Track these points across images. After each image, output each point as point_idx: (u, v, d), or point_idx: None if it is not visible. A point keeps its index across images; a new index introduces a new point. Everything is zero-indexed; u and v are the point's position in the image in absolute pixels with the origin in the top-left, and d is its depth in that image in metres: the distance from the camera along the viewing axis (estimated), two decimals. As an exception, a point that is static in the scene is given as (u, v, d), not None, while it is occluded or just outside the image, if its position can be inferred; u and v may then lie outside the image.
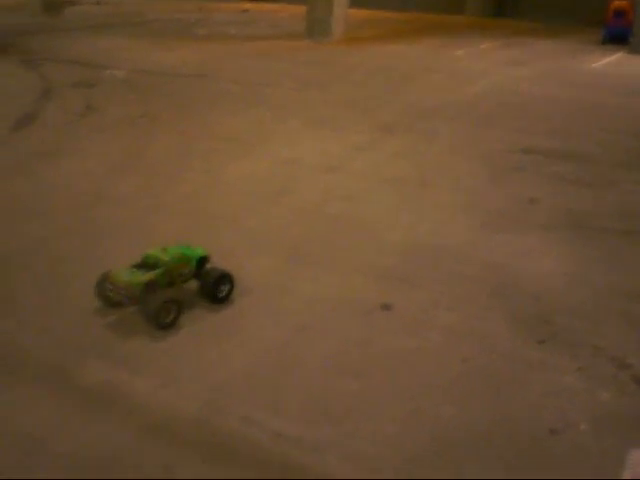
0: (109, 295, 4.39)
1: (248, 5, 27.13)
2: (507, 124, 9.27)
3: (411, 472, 3.10)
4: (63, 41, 16.55)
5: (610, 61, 16.41)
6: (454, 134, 8.68)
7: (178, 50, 15.50)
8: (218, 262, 4.69)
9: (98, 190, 6.65)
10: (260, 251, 5.31)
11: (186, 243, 4.73)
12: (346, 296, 4.63)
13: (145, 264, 4.49)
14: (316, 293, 4.68)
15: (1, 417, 3.51)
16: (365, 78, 12.45)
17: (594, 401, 3.60)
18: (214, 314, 4.43)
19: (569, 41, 20.41)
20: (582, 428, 3.39)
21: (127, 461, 3.19)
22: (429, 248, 5.34)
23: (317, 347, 4.06)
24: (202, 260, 4.62)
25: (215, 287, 4.49)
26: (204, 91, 11.35)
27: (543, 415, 3.49)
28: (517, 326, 4.27)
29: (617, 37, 19.12)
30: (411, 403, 3.56)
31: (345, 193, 6.55)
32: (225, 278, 4.54)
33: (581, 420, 3.44)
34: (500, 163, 7.51)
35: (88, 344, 4.09)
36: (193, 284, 4.60)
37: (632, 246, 5.53)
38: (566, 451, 3.24)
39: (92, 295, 4.48)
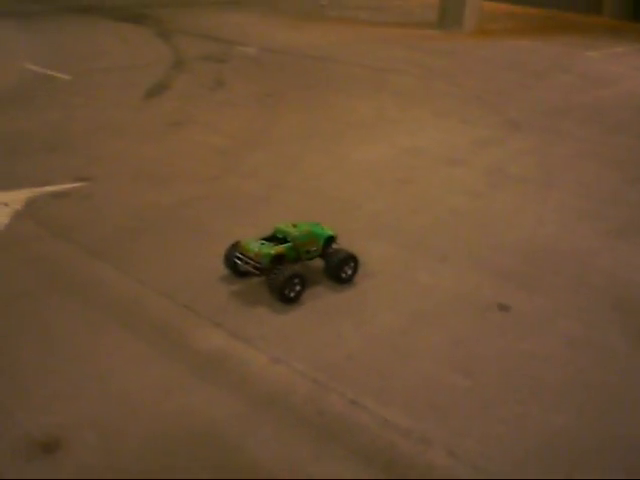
0: (237, 264, 4.53)
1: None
2: (640, 132, 8.95)
3: (516, 475, 3.05)
4: (193, 14, 16.92)
5: None
6: (583, 137, 8.44)
7: (307, 31, 15.61)
8: (343, 244, 4.73)
9: (223, 163, 6.80)
10: (380, 237, 5.32)
11: (316, 222, 4.81)
12: (463, 291, 4.60)
13: (274, 237, 4.64)
14: (433, 285, 4.66)
15: (114, 373, 3.65)
16: (494, 72, 12.23)
17: None
18: (336, 294, 4.48)
19: None
20: (699, 455, 3.27)
21: (232, 429, 3.27)
22: (550, 252, 5.23)
23: (430, 339, 4.05)
24: (329, 240, 4.69)
25: (340, 268, 4.55)
26: (330, 73, 11.40)
27: (657, 435, 3.38)
28: (634, 341, 4.14)
29: None
30: (521, 407, 3.50)
31: (467, 187, 6.47)
32: (350, 260, 4.60)
33: (697, 446, 3.32)
34: (630, 171, 7.26)
35: (208, 311, 4.20)
36: (318, 262, 4.66)
37: None
38: (681, 476, 3.14)
39: (219, 263, 4.62)
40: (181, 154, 7.08)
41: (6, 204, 5.59)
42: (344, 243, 4.78)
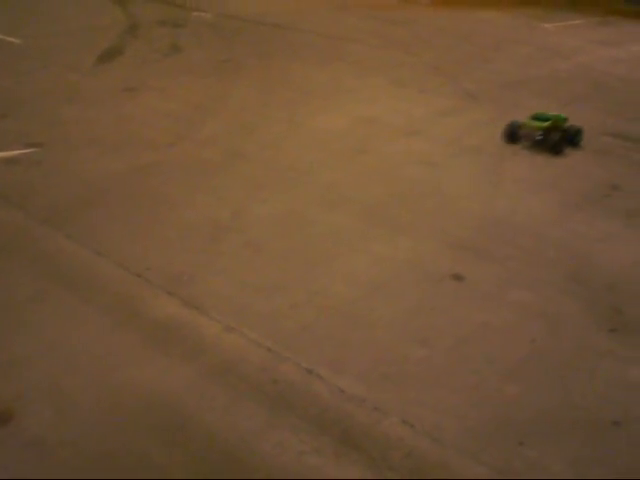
0: (518, 133, 7.06)
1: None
2: (595, 105, 9.00)
3: (471, 445, 3.08)
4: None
5: None
6: (539, 109, 8.46)
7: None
8: (297, 214, 4.72)
9: (179, 130, 6.71)
10: (335, 207, 5.30)
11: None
12: (419, 261, 4.60)
13: (536, 118, 7.17)
14: (389, 255, 4.66)
15: (66, 343, 3.61)
16: (452, 42, 12.20)
17: (661, 397, 3.53)
18: (289, 263, 4.45)
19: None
20: (647, 423, 3.33)
21: (186, 399, 3.25)
22: (506, 223, 5.25)
23: (386, 309, 4.05)
24: (566, 120, 7.30)
25: (575, 136, 7.19)
26: (287, 41, 11.29)
27: (607, 405, 3.42)
28: (589, 312, 4.19)
29: None
30: (475, 377, 3.54)
31: (424, 157, 6.47)
32: (580, 132, 7.23)
33: (646, 414, 3.38)
34: (585, 144, 7.31)
35: (162, 280, 4.17)
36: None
37: None
38: (626, 444, 3.18)
39: (175, 232, 4.61)
40: (135, 120, 6.96)
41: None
42: (294, 212, 4.75)
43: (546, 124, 7.07)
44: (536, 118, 7.20)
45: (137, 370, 3.43)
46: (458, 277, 4.42)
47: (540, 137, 6.95)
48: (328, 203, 5.37)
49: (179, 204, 5.17)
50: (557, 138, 6.98)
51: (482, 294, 4.28)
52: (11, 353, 3.52)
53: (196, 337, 3.69)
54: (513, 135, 7.08)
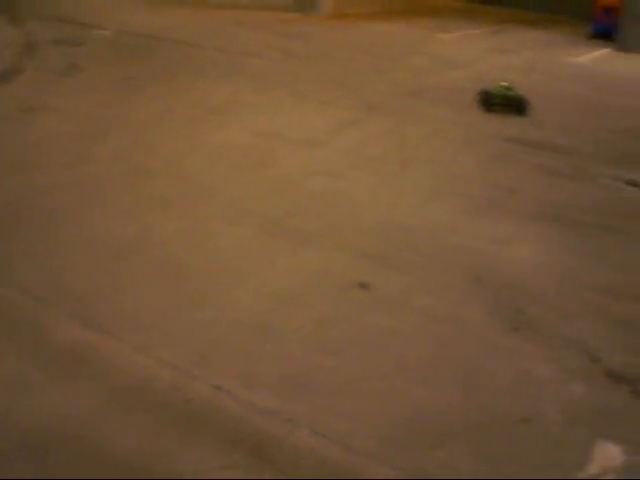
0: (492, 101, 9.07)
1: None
2: (491, 112, 9.27)
3: (383, 450, 3.11)
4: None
5: (596, 56, 16.44)
6: (438, 118, 8.67)
7: (165, 14, 15.26)
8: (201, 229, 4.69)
9: (80, 149, 6.58)
10: (240, 222, 5.28)
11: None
12: (324, 272, 4.63)
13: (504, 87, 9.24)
14: (295, 267, 4.67)
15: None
16: (351, 55, 12.37)
17: (565, 392, 3.64)
18: (194, 282, 4.42)
19: (556, 33, 20.38)
20: (552, 418, 3.42)
21: (94, 425, 3.17)
22: (408, 230, 5.34)
23: (294, 320, 4.05)
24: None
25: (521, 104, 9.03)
26: (189, 58, 11.22)
27: (514, 403, 3.51)
28: (493, 313, 4.29)
29: (604, 33, 19.19)
30: (385, 383, 3.58)
31: (327, 169, 6.52)
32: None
33: (551, 410, 3.48)
34: (483, 150, 7.52)
35: (65, 302, 4.07)
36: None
37: (608, 241, 5.56)
38: (536, 440, 3.27)
39: (77, 256, 4.50)
40: (35, 141, 6.79)
41: None
42: (195, 229, 4.75)
43: (519, 94, 9.20)
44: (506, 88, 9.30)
45: (42, 398, 3.33)
46: (364, 286, 4.46)
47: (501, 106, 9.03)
48: (233, 218, 5.35)
49: (82, 224, 5.06)
50: (526, 102, 9.11)
51: (388, 301, 4.34)
52: None
53: (104, 359, 3.61)
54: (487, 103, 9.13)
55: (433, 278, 4.66)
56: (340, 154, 6.97)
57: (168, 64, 10.60)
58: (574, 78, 13.05)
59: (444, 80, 10.96)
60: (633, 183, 6.92)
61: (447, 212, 5.73)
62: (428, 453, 3.12)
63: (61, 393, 3.36)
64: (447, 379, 3.65)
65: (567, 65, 14.67)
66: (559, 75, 13.16)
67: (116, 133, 7.16)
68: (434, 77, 11.16)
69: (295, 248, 4.92)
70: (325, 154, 6.95)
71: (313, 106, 8.75)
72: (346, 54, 12.46)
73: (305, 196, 5.86)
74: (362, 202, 5.82)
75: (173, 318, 4.01)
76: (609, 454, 3.24)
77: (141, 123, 7.58)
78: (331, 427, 3.22)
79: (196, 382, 3.47)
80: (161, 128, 7.44)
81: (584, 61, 15.45)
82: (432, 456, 3.10)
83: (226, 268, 4.61)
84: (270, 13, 16.68)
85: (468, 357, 3.86)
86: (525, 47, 15.95)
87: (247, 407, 3.32)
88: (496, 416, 3.41)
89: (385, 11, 19.29)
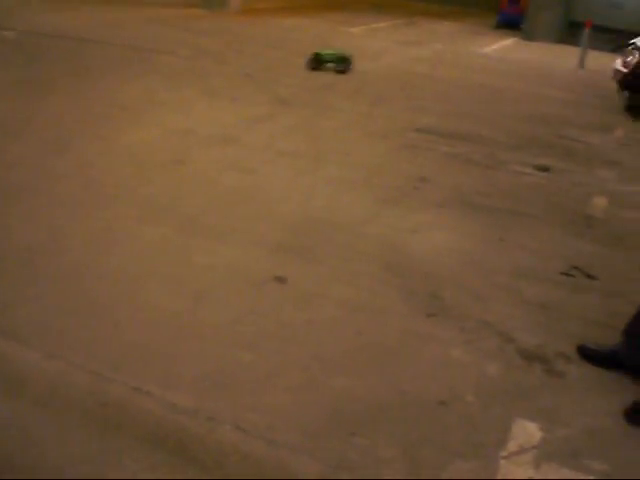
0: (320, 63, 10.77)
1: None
2: (402, 103, 9.39)
3: (305, 442, 3.12)
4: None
5: (503, 46, 16.86)
6: (349, 110, 8.74)
7: (70, 13, 14.91)
8: (102, 231, 4.61)
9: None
10: (154, 221, 5.22)
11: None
12: (240, 268, 4.61)
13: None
14: (210, 264, 4.64)
15: None
16: (261, 50, 12.35)
17: (480, 373, 3.72)
18: (106, 286, 4.34)
19: (464, 24, 20.82)
20: (469, 400, 3.50)
21: (9, 436, 3.09)
22: (323, 222, 5.37)
23: (211, 318, 4.03)
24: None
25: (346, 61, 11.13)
26: (97, 56, 11.00)
27: (432, 387, 3.57)
28: (408, 300, 4.36)
29: (510, 23, 19.69)
30: (304, 374, 3.59)
31: (240, 165, 6.50)
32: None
33: (468, 392, 3.55)
34: (394, 141, 7.61)
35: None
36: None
37: (517, 226, 5.71)
38: (454, 422, 3.34)
39: None
40: None
41: None
42: (110, 229, 4.66)
43: (344, 55, 11.10)
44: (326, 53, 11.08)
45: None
46: (280, 279, 4.47)
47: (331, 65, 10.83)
48: (147, 217, 5.27)
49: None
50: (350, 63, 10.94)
51: (305, 294, 4.35)
52: None
53: (15, 368, 3.51)
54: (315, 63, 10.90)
55: (348, 268, 4.69)
56: (253, 149, 6.96)
57: (77, 63, 10.38)
58: (480, 67, 13.34)
59: (355, 73, 11.04)
60: (543, 168, 7.11)
61: (361, 203, 5.78)
62: (349, 442, 3.15)
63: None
64: (365, 367, 3.69)
65: (474, 55, 14.98)
66: (465, 65, 13.43)
67: (21, 136, 6.96)
68: (345, 70, 11.22)
69: (211, 245, 4.89)
70: (238, 150, 6.92)
71: (225, 102, 8.70)
72: (256, 49, 12.44)
73: (220, 193, 5.82)
74: (276, 196, 5.82)
75: (86, 322, 3.92)
76: (527, 431, 3.33)
77: (49, 124, 7.39)
78: (252, 422, 3.21)
79: (112, 385, 3.41)
80: (70, 129, 7.27)
81: (490, 51, 15.81)
82: (353, 444, 3.13)
83: (141, 268, 4.55)
84: (178, 10, 16.52)
85: (385, 344, 3.90)
86: (434, 39, 16.23)
87: (167, 407, 3.28)
88: (415, 401, 3.46)
89: (293, 6, 19.33)
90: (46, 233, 4.93)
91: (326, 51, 11.19)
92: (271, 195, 5.85)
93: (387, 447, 3.14)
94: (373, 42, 14.64)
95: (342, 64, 10.98)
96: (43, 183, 5.78)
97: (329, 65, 10.96)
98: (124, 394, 3.36)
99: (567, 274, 4.92)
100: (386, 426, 3.27)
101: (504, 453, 3.18)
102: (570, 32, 17.36)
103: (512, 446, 3.23)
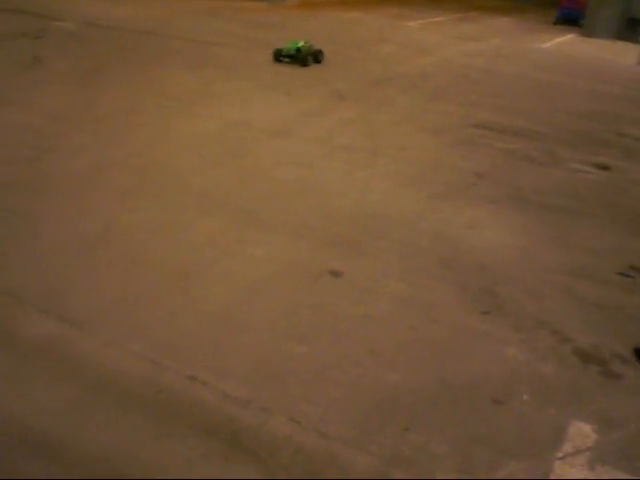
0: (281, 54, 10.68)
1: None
2: (459, 98, 9.31)
3: (358, 436, 3.12)
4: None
5: (561, 41, 16.60)
6: (405, 105, 8.69)
7: (128, 4, 15.14)
8: (159, 220, 4.66)
9: (44, 143, 6.51)
10: (209, 212, 5.27)
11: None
12: (296, 261, 4.63)
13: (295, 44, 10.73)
14: (266, 256, 4.66)
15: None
16: (319, 44, 12.31)
17: (535, 373, 3.68)
18: (163, 272, 4.40)
19: (523, 19, 20.57)
20: (524, 399, 3.46)
21: (67, 420, 3.15)
22: (378, 217, 5.35)
23: (265, 310, 4.05)
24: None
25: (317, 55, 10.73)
26: (154, 48, 11.14)
27: (486, 385, 3.54)
28: (463, 297, 4.32)
29: (570, 19, 19.41)
30: (357, 369, 3.58)
31: (296, 158, 6.52)
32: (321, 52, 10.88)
33: (523, 391, 3.51)
34: (450, 136, 7.55)
35: (35, 297, 4.03)
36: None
37: (575, 224, 5.62)
38: (509, 421, 3.31)
39: (44, 250, 4.45)
40: (-1, 136, 6.72)
41: None
42: (173, 220, 4.69)
43: (297, 46, 10.70)
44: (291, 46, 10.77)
45: (10, 392, 3.30)
46: (335, 273, 4.47)
47: (292, 54, 10.64)
48: (202, 208, 5.32)
49: (48, 219, 5.01)
50: (303, 56, 10.61)
51: (359, 288, 4.35)
52: None
53: (74, 354, 3.59)
54: (277, 56, 10.73)
55: (403, 263, 4.68)
56: (309, 143, 6.97)
57: (135, 55, 10.52)
58: (537, 63, 13.15)
59: (412, 67, 10.98)
60: (602, 166, 7.00)
61: (416, 198, 5.75)
62: (402, 437, 3.14)
63: (33, 388, 3.33)
64: (419, 363, 3.67)
65: (532, 50, 14.77)
66: (523, 60, 13.26)
67: (81, 125, 7.09)
68: (402, 64, 11.18)
69: (266, 238, 4.91)
70: (294, 143, 6.94)
71: (281, 95, 8.73)
72: (314, 43, 12.41)
73: (275, 185, 5.85)
74: (332, 190, 5.82)
75: (143, 311, 3.99)
76: (582, 433, 3.28)
77: (107, 115, 7.51)
78: (305, 414, 3.23)
79: (168, 373, 3.45)
80: (128, 119, 7.38)
81: (548, 47, 15.57)
82: (406, 440, 3.12)
83: (196, 259, 4.59)
84: (236, 2, 16.59)
85: (439, 340, 3.88)
86: (492, 34, 16.05)
87: (220, 397, 3.31)
88: (468, 398, 3.44)
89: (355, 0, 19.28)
90: (104, 222, 5.00)
91: (288, 45, 10.93)
92: (326, 189, 5.85)
93: (440, 444, 3.12)
94: (430, 36, 14.54)
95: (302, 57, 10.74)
96: (101, 173, 5.88)
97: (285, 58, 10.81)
98: (179, 382, 3.40)
99: (625, 274, 4.84)
100: (439, 423, 3.26)
101: (559, 454, 3.14)
102: (629, 29, 17.04)
103: (567, 447, 3.19)
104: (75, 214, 5.09)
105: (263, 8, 16.01)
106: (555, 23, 19.86)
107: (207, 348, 3.68)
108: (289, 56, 10.71)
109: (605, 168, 6.99)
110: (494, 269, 4.71)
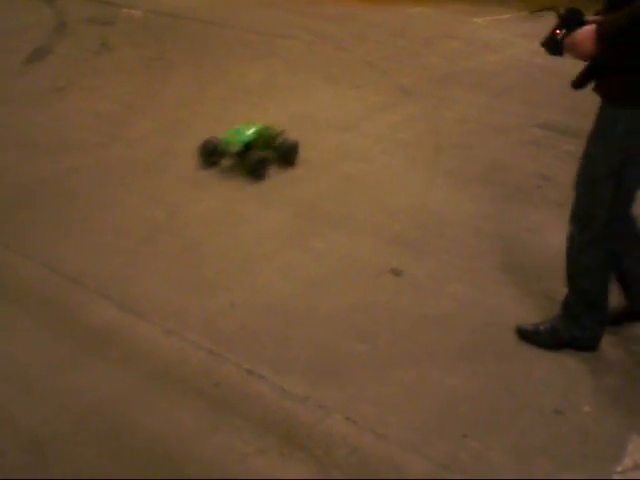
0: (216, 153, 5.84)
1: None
2: (524, 97, 9.15)
3: (415, 439, 3.09)
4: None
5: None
6: (470, 103, 8.57)
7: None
8: (222, 211, 4.67)
9: (110, 130, 6.60)
10: (270, 204, 5.28)
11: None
12: (356, 257, 4.60)
13: (239, 131, 5.90)
14: (327, 251, 4.65)
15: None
16: (383, 38, 12.24)
17: (598, 384, 3.59)
18: (226, 261, 4.42)
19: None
20: (586, 410, 3.38)
21: (126, 405, 3.20)
22: (439, 216, 5.29)
23: (325, 305, 4.04)
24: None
25: (289, 153, 6.05)
26: (219, 38, 11.18)
27: (547, 394, 3.47)
28: (524, 301, 4.24)
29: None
30: (416, 370, 3.55)
31: (359, 153, 6.48)
32: (295, 148, 6.06)
33: (585, 402, 3.43)
34: (514, 136, 7.42)
35: (97, 284, 4.08)
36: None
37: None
38: (569, 432, 3.23)
39: (107, 235, 4.54)
40: (65, 121, 6.82)
41: None
42: (235, 211, 4.76)
43: (247, 139, 5.78)
44: (238, 132, 5.86)
45: (72, 377, 3.35)
46: (396, 271, 4.43)
47: (237, 153, 5.77)
48: (265, 200, 5.34)
49: (111, 206, 5.08)
50: (257, 158, 5.64)
51: (420, 288, 4.30)
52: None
53: (134, 341, 3.63)
54: (210, 155, 5.83)
55: (464, 265, 4.61)
56: (372, 138, 6.92)
57: (200, 44, 10.58)
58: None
59: (477, 64, 10.83)
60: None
61: (479, 199, 5.67)
62: (460, 443, 3.09)
63: (92, 373, 3.38)
64: (479, 368, 3.61)
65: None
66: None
67: (146, 113, 7.17)
68: (467, 61, 11.03)
69: (327, 232, 4.90)
70: (357, 138, 6.90)
71: (346, 89, 8.68)
72: (379, 37, 12.33)
73: (337, 180, 5.82)
74: (393, 187, 5.77)
75: (203, 300, 4.02)
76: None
77: (172, 103, 7.57)
78: (363, 414, 3.20)
79: (226, 365, 3.47)
80: (192, 108, 7.43)
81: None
82: (464, 446, 3.07)
83: (257, 251, 4.60)
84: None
85: (500, 345, 3.81)
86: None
87: (278, 392, 3.31)
88: (529, 407, 3.37)
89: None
90: (167, 211, 5.05)
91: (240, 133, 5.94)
92: (388, 185, 5.81)
93: (499, 452, 3.07)
94: (496, 33, 14.31)
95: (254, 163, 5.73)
96: (167, 161, 5.94)
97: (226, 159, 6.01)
98: (237, 375, 3.41)
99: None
100: (498, 430, 3.20)
101: (619, 468, 3.06)
102: None
103: (628, 462, 3.10)
104: (140, 201, 5.15)
105: (326, 1, 15.95)
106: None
107: (265, 341, 3.68)
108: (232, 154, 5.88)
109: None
110: (558, 274, 4.60)
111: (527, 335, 3.85)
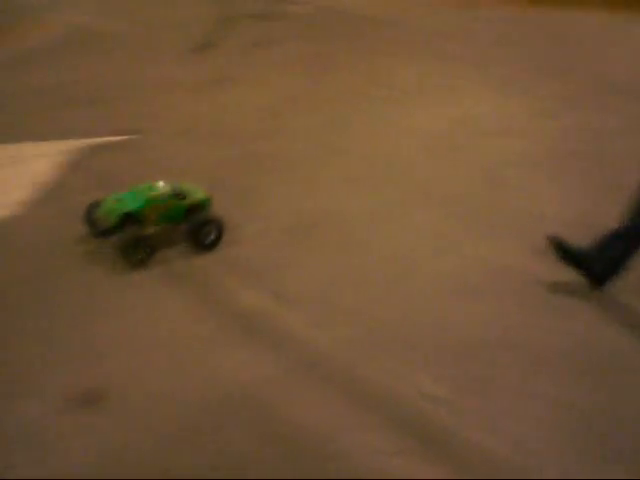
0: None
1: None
2: None
3: (555, 457, 3.00)
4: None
5: None
6: (635, 114, 8.15)
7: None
8: (376, 209, 4.90)
9: (273, 122, 6.77)
10: (426, 205, 5.28)
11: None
12: (506, 265, 4.50)
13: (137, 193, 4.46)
14: (478, 257, 4.59)
15: (155, 328, 3.76)
16: (554, 43, 11.76)
17: None
18: (376, 263, 4.44)
19: None
20: None
21: (275, 391, 3.31)
22: (590, 228, 4.94)
23: (471, 311, 4.01)
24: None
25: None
26: (383, 37, 11.20)
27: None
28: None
29: None
30: (557, 388, 3.41)
31: (519, 160, 6.31)
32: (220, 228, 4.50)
33: None
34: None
35: (253, 270, 4.20)
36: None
37: None
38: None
39: (289, 222, 4.77)
40: (228, 112, 7.07)
41: (51, 154, 5.63)
42: (394, 209, 4.85)
43: (130, 208, 4.29)
44: (123, 199, 4.40)
45: (222, 357, 3.50)
46: (540, 282, 4.30)
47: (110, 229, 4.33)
48: (423, 200, 5.35)
49: (270, 197, 5.22)
50: (135, 238, 4.24)
51: (567, 300, 4.16)
52: (104, 337, 3.65)
53: (283, 330, 3.74)
54: (91, 223, 4.48)
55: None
56: (535, 146, 6.69)
57: (363, 43, 10.64)
58: None
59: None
60: None
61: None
62: (601, 469, 2.97)
63: (239, 357, 3.52)
64: (618, 385, 3.46)
65: None
66: None
67: (306, 108, 7.31)
68: (630, 70, 10.46)
69: (479, 238, 4.82)
70: (520, 144, 6.69)
71: (509, 93, 8.47)
72: (549, 42, 11.93)
73: (492, 186, 5.71)
74: (550, 200, 5.52)
75: (350, 296, 4.08)
76: None
77: (333, 100, 7.68)
78: (502, 425, 3.15)
79: (372, 363, 3.50)
80: (352, 105, 7.51)
81: None
82: (606, 472, 2.96)
83: (408, 251, 4.62)
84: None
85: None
86: None
87: (417, 394, 3.31)
88: (629, 417, 3.23)
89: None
90: (326, 205, 5.14)
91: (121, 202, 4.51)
92: (545, 196, 5.55)
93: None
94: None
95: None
96: (324, 156, 6.04)
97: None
98: (377, 373, 3.45)
99: None
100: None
101: None
102: None
103: None
104: (299, 194, 5.28)
105: (496, 3, 15.54)
106: None
107: (408, 342, 3.70)
108: (104, 232, 4.42)
109: None
110: None
111: None
